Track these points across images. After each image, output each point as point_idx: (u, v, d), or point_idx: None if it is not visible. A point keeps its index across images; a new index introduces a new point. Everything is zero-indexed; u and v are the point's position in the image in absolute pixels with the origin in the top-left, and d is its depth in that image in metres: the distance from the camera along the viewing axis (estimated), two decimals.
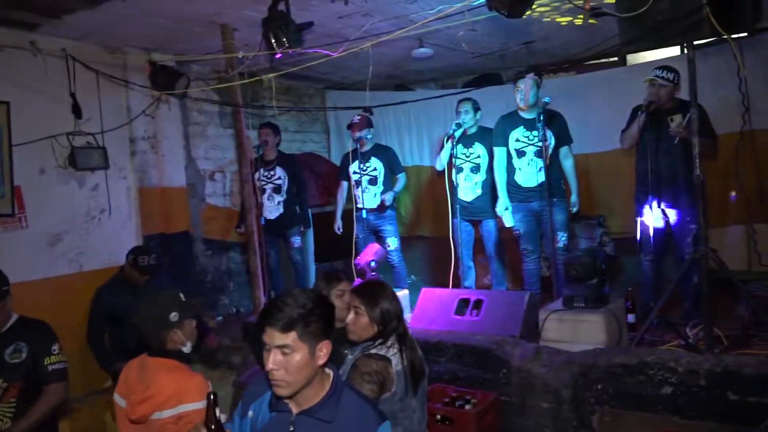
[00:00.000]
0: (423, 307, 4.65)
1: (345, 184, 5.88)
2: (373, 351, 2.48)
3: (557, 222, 4.93)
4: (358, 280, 3.38)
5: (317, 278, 3.22)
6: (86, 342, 4.59)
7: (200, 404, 2.27)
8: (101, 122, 5.02)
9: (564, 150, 5.02)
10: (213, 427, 1.80)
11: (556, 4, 4.47)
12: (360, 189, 5.66)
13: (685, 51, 4.79)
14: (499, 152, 5.13)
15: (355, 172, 5.65)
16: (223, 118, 6.35)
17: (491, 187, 5.32)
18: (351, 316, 2.59)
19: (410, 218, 6.95)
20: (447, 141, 5.28)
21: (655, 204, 4.52)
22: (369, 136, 5.63)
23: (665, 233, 4.70)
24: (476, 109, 5.32)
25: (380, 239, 5.73)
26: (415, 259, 6.06)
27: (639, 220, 4.67)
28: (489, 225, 5.36)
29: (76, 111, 4.82)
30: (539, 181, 4.89)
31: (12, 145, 4.41)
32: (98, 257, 5.01)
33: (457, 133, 5.23)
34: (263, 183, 5.71)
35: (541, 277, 5.26)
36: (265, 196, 5.71)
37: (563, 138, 5.00)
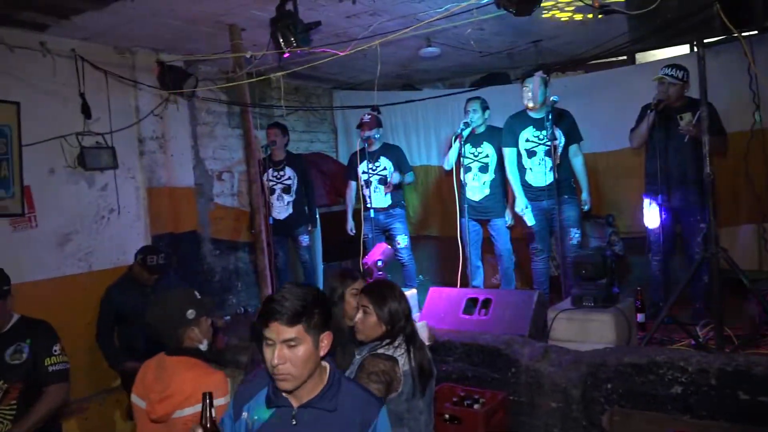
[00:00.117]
0: (431, 307, 4.65)
1: (354, 183, 5.87)
2: (381, 351, 2.48)
3: (569, 219, 4.91)
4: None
5: (330, 277, 3.22)
6: (95, 341, 4.60)
7: (222, 400, 2.29)
8: (110, 122, 5.04)
9: (573, 148, 4.99)
10: (209, 426, 1.80)
11: (566, 0, 4.46)
12: (370, 189, 5.65)
13: (695, 49, 4.76)
14: (510, 153, 5.11)
15: (364, 172, 5.65)
16: (231, 118, 6.36)
17: (500, 187, 5.31)
18: (359, 315, 2.59)
19: (418, 218, 6.94)
20: (455, 140, 5.27)
21: (653, 202, 4.51)
22: (377, 136, 5.63)
23: (674, 233, 4.68)
24: (485, 108, 5.31)
25: (390, 238, 5.72)
26: (423, 259, 6.06)
27: (647, 219, 4.65)
28: (497, 224, 5.35)
29: (86, 111, 4.84)
30: (550, 180, 4.86)
31: (22, 145, 4.44)
32: (107, 257, 5.03)
33: (465, 133, 5.22)
34: (272, 183, 5.72)
35: (550, 277, 5.24)
36: (275, 196, 5.72)
37: (573, 136, 4.97)
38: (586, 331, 3.94)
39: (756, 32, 4.69)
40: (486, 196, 5.34)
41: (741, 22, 3.16)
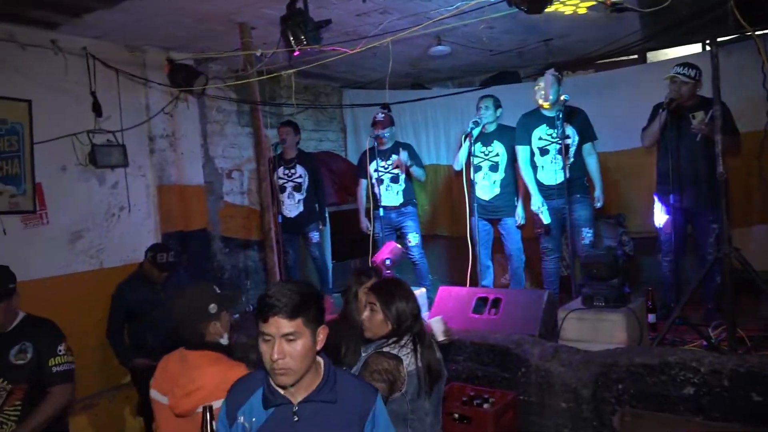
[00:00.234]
0: (440, 306, 4.63)
1: (364, 182, 5.86)
2: (386, 349, 2.46)
3: (581, 218, 4.88)
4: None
5: (349, 275, 3.24)
6: (105, 338, 4.62)
7: None
8: (121, 120, 5.06)
9: (588, 147, 4.94)
10: None
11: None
12: (382, 187, 5.64)
13: (707, 48, 4.72)
14: (523, 151, 5.08)
15: (376, 170, 5.64)
16: (240, 116, 6.37)
17: (510, 186, 5.28)
18: (366, 312, 2.58)
19: (427, 217, 6.93)
20: (465, 140, 5.25)
21: (663, 202, 4.48)
22: (387, 134, 5.61)
23: (685, 233, 4.65)
24: (497, 106, 5.29)
25: (402, 236, 5.71)
26: (432, 259, 6.04)
27: (659, 219, 4.61)
28: (508, 224, 5.32)
29: (97, 109, 4.86)
30: (561, 179, 4.83)
31: (34, 142, 4.47)
32: (118, 254, 5.05)
33: (475, 132, 5.20)
34: (283, 181, 5.73)
35: (560, 277, 5.21)
36: (285, 194, 5.72)
37: (586, 134, 4.93)
38: (596, 331, 3.91)
39: None
40: (496, 195, 5.32)
41: (755, 19, 3.13)
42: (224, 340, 2.56)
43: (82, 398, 4.60)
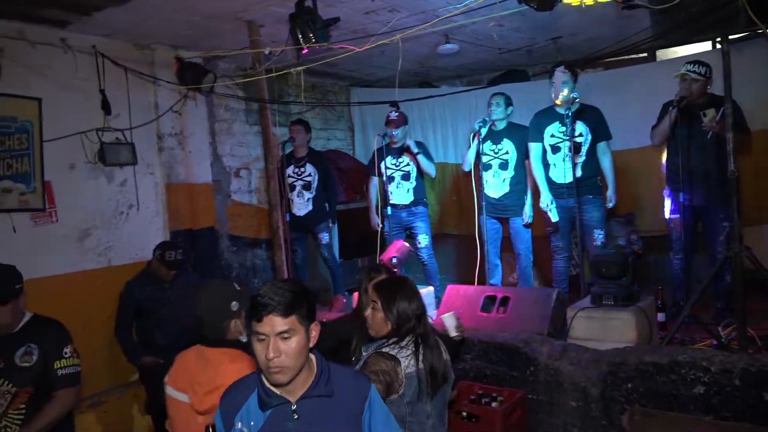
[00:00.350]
0: (448, 304, 4.62)
1: (375, 179, 5.85)
2: (386, 350, 2.43)
3: (593, 219, 4.83)
4: None
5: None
6: (114, 336, 4.63)
7: None
8: (130, 118, 5.08)
9: (602, 145, 4.89)
10: None
11: None
12: (392, 184, 5.63)
13: (717, 46, 4.68)
14: (535, 148, 5.05)
15: (387, 168, 5.63)
16: (248, 115, 6.38)
17: (519, 184, 5.26)
18: (369, 310, 2.56)
19: (436, 216, 6.91)
20: (473, 139, 5.22)
21: (673, 200, 4.46)
22: (395, 133, 5.58)
23: (696, 231, 4.62)
24: (508, 103, 5.26)
25: (412, 236, 5.70)
26: (439, 257, 6.02)
27: (670, 218, 4.59)
28: (517, 222, 5.30)
29: (106, 107, 4.88)
30: (572, 178, 4.80)
31: (43, 140, 4.49)
32: (126, 252, 5.06)
33: (483, 130, 5.18)
34: (293, 180, 5.72)
35: (569, 276, 5.18)
36: (295, 192, 5.71)
37: (600, 133, 4.87)
38: (606, 329, 3.89)
39: None
40: (505, 194, 5.29)
41: (767, 16, 3.10)
42: (243, 338, 2.54)
43: (90, 395, 4.62)
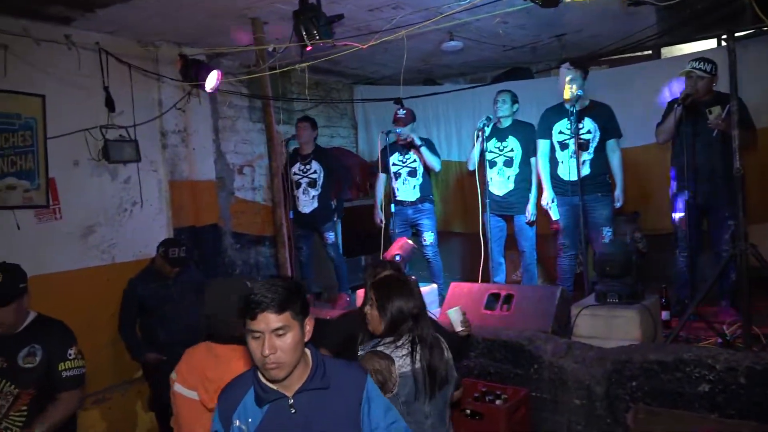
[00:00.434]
0: (452, 302, 4.61)
1: (383, 176, 5.84)
2: (380, 348, 2.41)
3: (601, 218, 4.81)
4: None
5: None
6: (117, 332, 4.63)
7: None
8: (133, 115, 5.08)
9: (611, 143, 4.85)
10: None
11: None
12: (399, 181, 5.62)
13: (722, 43, 4.66)
14: (543, 144, 5.04)
15: (394, 164, 5.62)
16: (252, 112, 6.38)
17: (524, 182, 5.24)
18: (367, 307, 2.54)
19: (439, 214, 6.89)
20: (477, 138, 5.20)
21: (679, 198, 4.44)
22: (399, 131, 5.57)
23: (701, 229, 4.60)
24: (514, 101, 5.25)
25: (417, 233, 5.68)
26: (444, 255, 6.01)
27: (675, 215, 4.57)
28: (521, 220, 5.28)
29: (109, 104, 4.88)
30: (582, 175, 4.74)
31: (47, 137, 4.49)
32: (130, 249, 5.06)
33: (488, 129, 5.16)
34: (299, 177, 5.70)
35: (575, 274, 5.16)
36: (300, 189, 5.69)
37: (610, 130, 4.84)
38: (610, 327, 3.88)
39: None
40: (510, 191, 5.28)
41: None
42: None
43: (94, 392, 4.62)
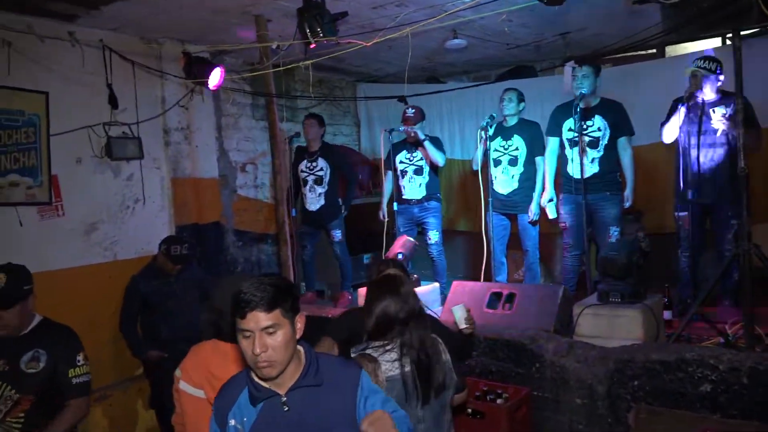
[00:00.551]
0: (454, 301, 4.60)
1: (390, 173, 5.81)
2: (369, 351, 2.37)
3: (610, 216, 4.77)
4: None
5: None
6: (119, 330, 4.64)
7: None
8: (136, 113, 5.09)
9: (623, 141, 4.79)
10: None
11: None
12: (405, 179, 5.59)
13: (727, 42, 4.64)
14: (552, 142, 5.01)
15: (401, 162, 5.60)
16: (255, 110, 6.38)
17: (528, 181, 5.21)
18: (364, 305, 2.53)
19: (441, 213, 6.88)
20: (481, 139, 5.17)
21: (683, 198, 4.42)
22: (401, 129, 5.55)
23: (704, 229, 4.58)
24: (520, 99, 5.21)
25: (423, 232, 5.67)
26: (447, 254, 6.00)
27: (678, 215, 4.56)
28: (525, 219, 5.25)
29: (113, 101, 4.89)
30: (590, 173, 4.74)
31: (50, 134, 4.50)
32: (132, 246, 5.07)
33: (491, 128, 5.14)
34: (305, 174, 5.67)
35: (578, 274, 5.14)
36: (307, 187, 5.66)
37: (621, 128, 4.78)
38: (612, 327, 3.87)
39: None
40: (514, 190, 5.25)
41: None
42: None
43: (96, 389, 4.62)
